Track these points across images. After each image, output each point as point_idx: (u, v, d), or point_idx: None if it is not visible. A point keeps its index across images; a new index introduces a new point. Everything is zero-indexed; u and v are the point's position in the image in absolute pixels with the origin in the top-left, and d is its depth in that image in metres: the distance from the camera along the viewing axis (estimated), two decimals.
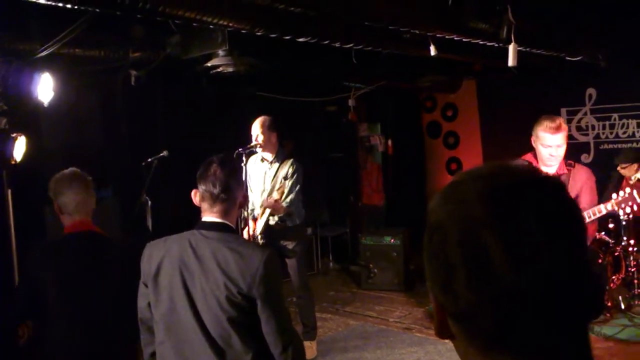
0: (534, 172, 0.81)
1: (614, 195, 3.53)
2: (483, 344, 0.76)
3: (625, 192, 3.50)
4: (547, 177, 0.80)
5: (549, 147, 3.61)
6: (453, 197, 0.79)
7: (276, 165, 4.95)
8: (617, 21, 5.45)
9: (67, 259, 2.69)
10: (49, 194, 2.76)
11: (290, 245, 4.99)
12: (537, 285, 0.70)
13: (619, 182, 6.51)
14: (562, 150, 3.63)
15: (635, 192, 3.47)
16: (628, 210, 3.51)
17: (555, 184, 0.79)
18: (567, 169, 3.69)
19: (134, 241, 2.96)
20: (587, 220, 3.47)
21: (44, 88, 4.63)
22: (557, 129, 3.57)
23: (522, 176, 0.79)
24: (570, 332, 0.74)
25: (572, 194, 3.56)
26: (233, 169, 2.33)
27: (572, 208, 0.78)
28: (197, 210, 2.31)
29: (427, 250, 0.81)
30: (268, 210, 4.83)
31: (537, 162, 3.75)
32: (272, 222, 4.94)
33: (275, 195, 4.70)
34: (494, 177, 0.78)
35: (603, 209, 3.52)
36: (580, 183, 3.64)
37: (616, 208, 3.49)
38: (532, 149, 3.86)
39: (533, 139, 3.73)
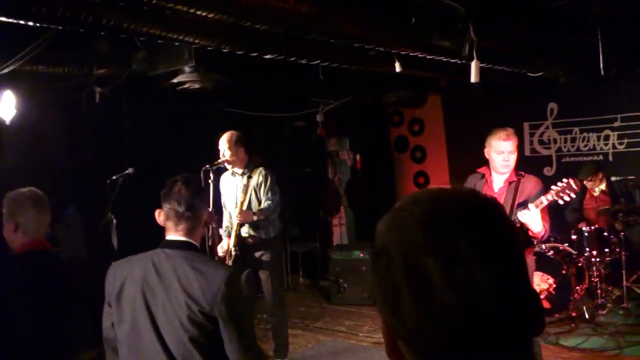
0: (472, 196, 0.84)
1: (553, 187, 3.77)
2: None
3: (562, 182, 3.75)
4: (485, 201, 0.84)
5: (502, 153, 3.92)
6: (395, 223, 0.82)
7: (246, 175, 4.93)
8: (574, 38, 5.61)
9: (22, 278, 2.64)
10: (2, 212, 2.72)
11: (263, 258, 4.93)
12: (475, 307, 0.74)
13: (582, 194, 6.67)
14: (513, 158, 3.94)
15: (572, 181, 3.72)
16: (567, 198, 3.75)
17: (492, 208, 0.83)
18: (517, 178, 3.98)
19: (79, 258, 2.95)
20: (534, 211, 3.71)
21: (6, 105, 4.56)
22: (508, 136, 3.92)
23: (460, 201, 0.83)
24: (513, 349, 0.78)
25: (522, 198, 3.88)
26: (198, 188, 2.34)
27: (508, 230, 0.82)
28: (163, 229, 2.30)
29: (374, 274, 0.84)
30: (235, 222, 4.78)
31: (491, 172, 4.06)
32: (244, 234, 4.89)
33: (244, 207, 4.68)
34: (431, 202, 0.82)
35: (544, 200, 3.74)
36: (529, 189, 3.91)
37: (556, 198, 3.74)
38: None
39: (486, 150, 4.03)
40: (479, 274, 0.74)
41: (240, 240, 4.84)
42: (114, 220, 4.67)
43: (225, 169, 5.05)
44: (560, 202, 3.76)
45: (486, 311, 0.74)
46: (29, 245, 2.68)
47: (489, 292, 0.74)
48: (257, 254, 4.90)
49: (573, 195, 3.72)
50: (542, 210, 3.80)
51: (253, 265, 4.85)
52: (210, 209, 2.41)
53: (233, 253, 4.79)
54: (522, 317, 0.77)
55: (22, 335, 2.59)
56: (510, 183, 3.97)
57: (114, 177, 4.73)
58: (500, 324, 0.75)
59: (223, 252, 4.80)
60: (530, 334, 0.80)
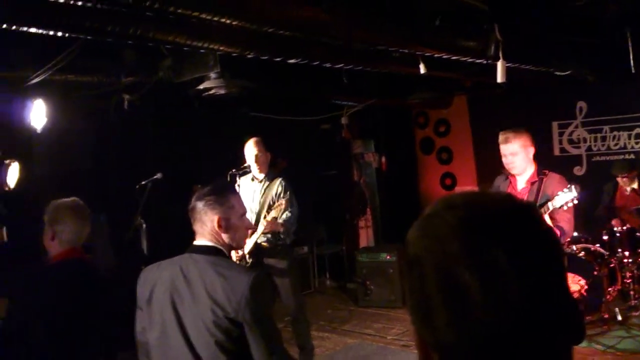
0: (510, 202, 0.79)
1: (560, 193, 3.76)
2: None
3: (566, 189, 3.75)
4: (523, 207, 0.79)
5: (505, 156, 4.05)
6: (428, 231, 0.78)
7: (266, 183, 4.97)
8: (601, 36, 5.52)
9: (53, 287, 2.68)
10: (44, 219, 2.77)
11: (280, 264, 4.95)
12: (514, 323, 0.71)
13: (613, 192, 6.55)
14: (519, 159, 4.00)
15: (574, 187, 3.72)
16: (570, 204, 3.74)
17: (531, 214, 0.78)
18: (539, 177, 4.01)
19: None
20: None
21: (37, 114, 4.66)
22: (507, 139, 4.01)
23: (497, 207, 0.78)
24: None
25: (545, 198, 3.88)
26: (213, 190, 2.31)
27: (548, 239, 0.77)
28: (193, 233, 2.33)
29: (407, 283, 0.80)
30: (260, 230, 4.81)
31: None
32: (260, 240, 4.91)
33: (273, 214, 4.70)
34: (466, 208, 0.77)
35: (550, 206, 3.76)
36: (552, 188, 3.91)
37: (560, 204, 3.74)
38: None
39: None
40: (521, 290, 0.70)
41: (256, 247, 4.86)
42: (144, 225, 4.73)
43: (249, 173, 5.09)
44: (565, 207, 3.75)
45: (526, 326, 0.71)
46: (63, 254, 2.73)
47: (531, 308, 0.71)
48: (273, 261, 4.92)
49: (575, 202, 3.72)
50: (565, 212, 3.78)
51: (270, 272, 4.86)
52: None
53: (248, 260, 4.81)
54: (562, 329, 0.74)
55: (46, 344, 2.62)
56: (532, 183, 4.01)
57: (143, 182, 4.80)
58: (540, 338, 0.72)
59: (237, 257, 4.82)
60: (570, 344, 0.77)
